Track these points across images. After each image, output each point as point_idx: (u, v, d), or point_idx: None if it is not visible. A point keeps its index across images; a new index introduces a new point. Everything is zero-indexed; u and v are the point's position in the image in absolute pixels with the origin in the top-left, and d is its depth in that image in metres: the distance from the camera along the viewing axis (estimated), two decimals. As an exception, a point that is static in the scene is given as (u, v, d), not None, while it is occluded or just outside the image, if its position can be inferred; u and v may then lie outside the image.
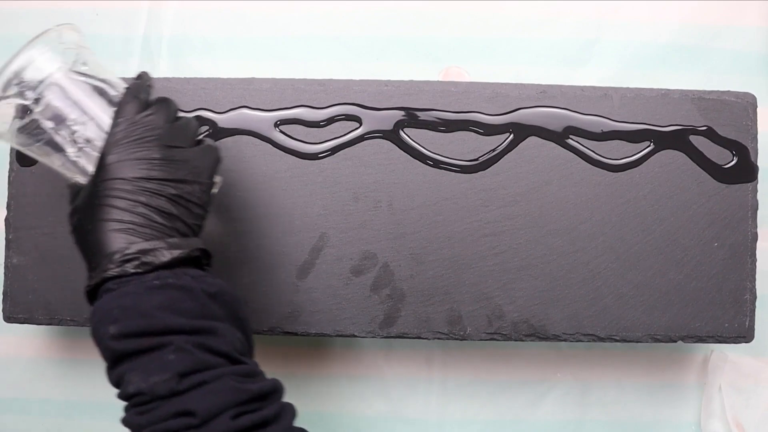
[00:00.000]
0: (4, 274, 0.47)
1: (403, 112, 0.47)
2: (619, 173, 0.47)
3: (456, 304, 0.46)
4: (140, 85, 0.38)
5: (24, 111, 0.36)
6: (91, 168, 0.36)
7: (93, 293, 0.34)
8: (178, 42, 0.55)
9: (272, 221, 0.47)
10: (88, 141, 0.37)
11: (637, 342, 0.46)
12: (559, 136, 0.47)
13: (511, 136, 0.47)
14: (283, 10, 0.55)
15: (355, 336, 0.47)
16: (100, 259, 0.33)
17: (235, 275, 0.47)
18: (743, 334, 0.46)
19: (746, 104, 0.47)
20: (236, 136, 0.47)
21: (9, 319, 0.47)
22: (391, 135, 0.47)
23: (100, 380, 0.53)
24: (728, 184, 0.47)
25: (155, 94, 0.39)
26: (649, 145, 0.47)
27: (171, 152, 0.35)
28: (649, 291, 0.46)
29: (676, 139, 0.47)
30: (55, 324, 0.47)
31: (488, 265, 0.47)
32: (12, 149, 0.47)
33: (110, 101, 0.37)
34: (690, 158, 0.47)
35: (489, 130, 0.47)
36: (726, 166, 0.47)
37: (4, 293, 0.47)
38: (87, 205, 0.35)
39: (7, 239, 0.47)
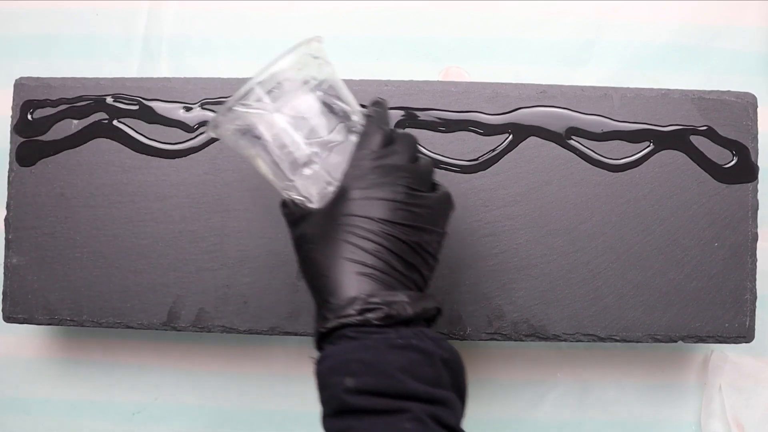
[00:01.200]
0: (4, 274, 0.47)
1: (402, 112, 0.47)
2: (619, 173, 0.47)
3: (456, 304, 0.46)
4: (383, 114, 0.36)
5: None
6: (314, 192, 0.35)
7: (324, 334, 0.32)
8: (178, 42, 0.55)
9: (272, 221, 0.47)
10: (315, 163, 0.34)
11: (637, 342, 0.46)
12: (559, 137, 0.47)
13: (511, 136, 0.47)
14: (283, 10, 0.55)
15: (355, 336, 0.47)
16: (338, 301, 0.32)
17: (235, 275, 0.47)
18: (743, 334, 0.46)
19: (746, 104, 0.47)
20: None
21: (9, 319, 0.47)
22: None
23: (100, 380, 0.53)
24: (728, 184, 0.47)
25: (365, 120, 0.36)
26: (649, 145, 0.47)
27: (415, 196, 0.33)
28: (649, 291, 0.46)
29: (676, 139, 0.47)
30: (55, 324, 0.47)
31: (488, 265, 0.47)
32: (12, 149, 0.47)
33: (348, 127, 0.35)
34: (690, 158, 0.47)
35: (489, 130, 0.47)
36: (726, 166, 0.47)
37: (4, 293, 0.47)
38: (324, 237, 0.33)
39: (7, 239, 0.47)
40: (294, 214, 0.36)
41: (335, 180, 0.34)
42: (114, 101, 0.48)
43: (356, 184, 0.33)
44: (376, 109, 0.36)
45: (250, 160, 0.36)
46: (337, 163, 0.34)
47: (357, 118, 0.36)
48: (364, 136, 0.34)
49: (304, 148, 0.34)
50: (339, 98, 0.36)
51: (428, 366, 0.31)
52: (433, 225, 0.34)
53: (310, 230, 0.34)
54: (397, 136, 0.36)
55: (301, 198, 0.35)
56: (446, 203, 0.36)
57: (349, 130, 0.35)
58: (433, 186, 0.36)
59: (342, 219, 0.33)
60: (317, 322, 0.33)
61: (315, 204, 0.35)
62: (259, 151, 0.35)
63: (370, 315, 0.31)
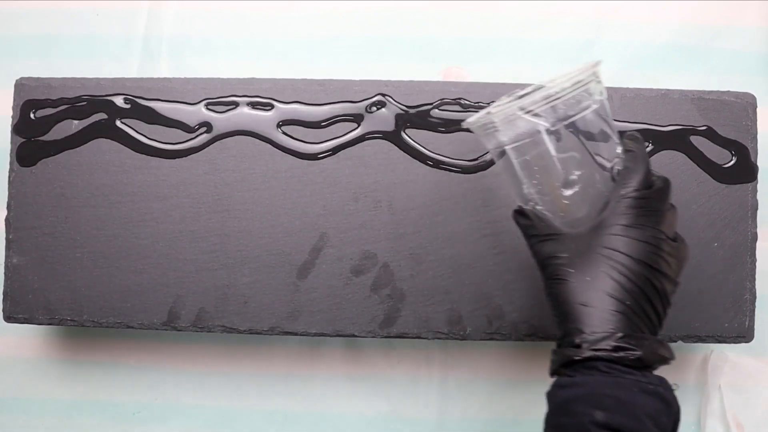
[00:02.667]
0: (4, 274, 0.47)
1: (404, 110, 0.48)
2: (619, 173, 0.47)
3: (456, 304, 0.46)
4: (644, 151, 0.36)
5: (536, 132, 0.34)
6: (571, 214, 0.35)
7: (572, 362, 0.33)
8: (178, 42, 0.55)
9: (272, 221, 0.47)
10: (577, 186, 0.35)
11: (637, 342, 0.46)
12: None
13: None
14: (283, 10, 0.55)
15: (355, 336, 0.47)
16: (594, 332, 0.33)
17: (235, 275, 0.47)
18: (743, 334, 0.46)
19: (746, 104, 0.47)
20: (236, 136, 0.47)
21: (9, 319, 0.47)
22: (392, 135, 0.47)
23: (100, 380, 0.53)
24: (728, 184, 0.47)
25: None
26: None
27: (668, 244, 0.34)
28: (649, 291, 0.46)
29: (676, 140, 0.47)
30: (55, 324, 0.47)
31: (488, 265, 0.47)
32: (12, 149, 0.47)
33: (609, 155, 0.36)
34: (690, 158, 0.47)
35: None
36: (726, 166, 0.47)
37: (4, 293, 0.47)
38: (582, 265, 0.34)
39: (7, 239, 0.47)
40: (538, 229, 0.37)
41: (591, 208, 0.35)
42: (117, 101, 0.48)
43: (618, 220, 0.34)
44: (637, 145, 0.36)
45: (498, 158, 0.36)
46: (594, 191, 0.35)
47: (618, 149, 0.36)
48: (628, 172, 0.35)
49: (566, 169, 0.35)
50: (608, 125, 0.36)
51: (667, 417, 0.33)
52: (675, 274, 0.35)
53: (565, 253, 0.35)
54: (656, 178, 0.36)
55: (548, 215, 0.36)
56: (685, 253, 0.36)
57: (610, 162, 0.35)
58: (675, 233, 0.36)
59: (602, 250, 0.34)
60: (565, 348, 0.34)
61: (564, 226, 0.36)
62: (515, 157, 0.35)
63: (624, 354, 0.32)
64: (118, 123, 0.48)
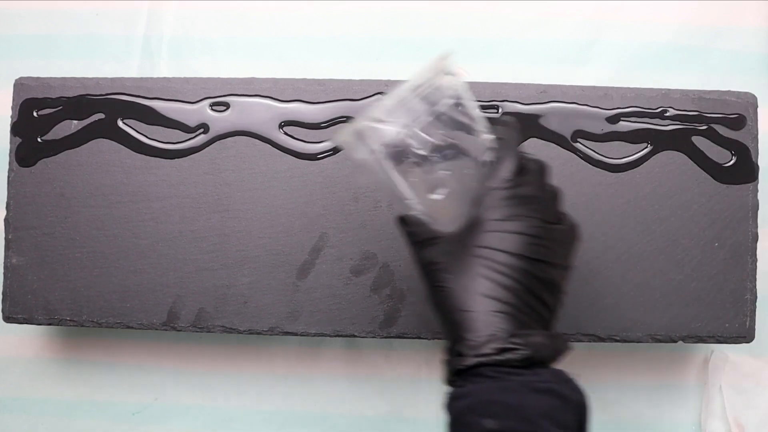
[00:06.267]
0: (4, 274, 0.47)
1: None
2: (620, 173, 0.47)
3: (456, 304, 0.46)
4: (514, 136, 0.35)
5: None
6: (445, 215, 0.34)
7: (460, 371, 0.32)
8: (178, 42, 0.55)
9: (272, 221, 0.47)
10: (447, 186, 0.33)
11: (638, 342, 0.46)
12: (559, 137, 0.47)
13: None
14: (283, 10, 0.55)
15: (355, 336, 0.47)
16: (476, 338, 0.31)
17: (234, 275, 0.47)
18: (744, 334, 0.46)
19: (746, 104, 0.47)
20: (236, 136, 0.47)
21: (9, 319, 0.47)
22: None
23: (100, 380, 0.53)
24: (729, 184, 0.47)
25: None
26: (649, 146, 0.47)
27: (548, 230, 0.33)
28: (649, 291, 0.46)
29: (677, 139, 0.47)
30: (54, 324, 0.47)
31: (488, 265, 0.47)
32: (12, 149, 0.47)
33: (478, 147, 0.34)
34: (690, 158, 0.47)
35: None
36: (726, 166, 0.47)
37: (4, 293, 0.47)
38: (459, 268, 0.33)
39: (6, 239, 0.47)
40: (418, 234, 0.35)
41: (467, 205, 0.33)
42: (117, 101, 0.48)
43: (491, 215, 0.32)
44: (506, 132, 0.35)
45: (369, 169, 0.35)
46: (468, 187, 0.34)
47: (487, 138, 0.35)
48: (497, 162, 0.34)
49: (436, 168, 0.33)
50: (471, 117, 0.34)
51: (565, 411, 0.31)
52: (563, 260, 0.34)
53: (442, 258, 0.33)
54: (528, 162, 0.35)
55: (426, 218, 0.34)
56: (573, 235, 0.35)
57: (480, 153, 0.34)
58: (559, 216, 0.35)
59: (477, 251, 0.32)
60: (452, 358, 0.32)
61: (443, 227, 0.34)
62: (384, 164, 0.34)
63: (510, 355, 0.31)
64: (117, 123, 0.48)
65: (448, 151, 0.33)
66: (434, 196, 0.33)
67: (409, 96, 0.33)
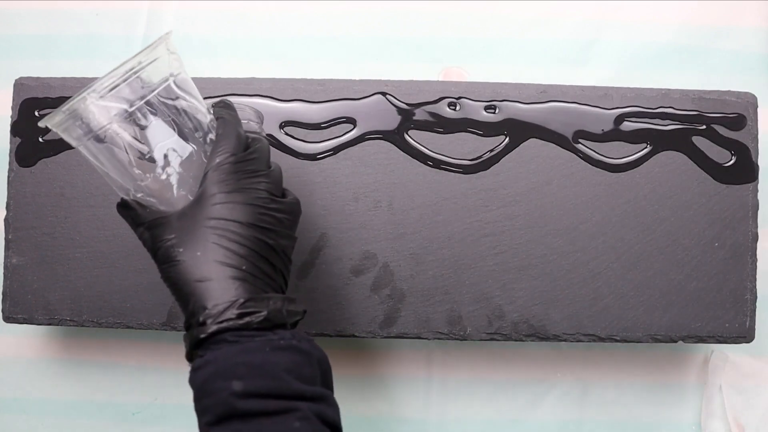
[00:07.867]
0: (4, 274, 0.47)
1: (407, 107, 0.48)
2: (620, 173, 0.47)
3: (456, 304, 0.46)
4: (235, 116, 0.36)
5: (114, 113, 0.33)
6: (169, 195, 0.34)
7: (200, 341, 0.32)
8: (178, 42, 0.54)
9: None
10: (170, 165, 0.34)
11: (638, 342, 0.46)
12: (559, 137, 0.47)
13: (507, 138, 0.47)
14: (283, 10, 0.55)
15: (355, 336, 0.47)
16: (215, 305, 0.32)
17: (235, 275, 0.47)
18: (744, 334, 0.46)
19: (746, 104, 0.47)
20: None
21: (9, 319, 0.47)
22: (392, 135, 0.47)
23: (100, 380, 0.53)
24: (729, 184, 0.47)
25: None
26: (649, 146, 0.47)
27: (275, 201, 0.34)
28: (649, 291, 0.46)
29: (677, 139, 0.47)
30: (54, 324, 0.47)
31: (488, 265, 0.47)
32: (12, 149, 0.47)
33: (200, 127, 0.35)
34: (690, 158, 0.47)
35: (489, 130, 0.47)
36: (726, 166, 0.47)
37: (4, 293, 0.47)
38: (191, 241, 0.33)
39: (6, 239, 0.47)
40: (143, 217, 0.35)
41: (193, 182, 0.34)
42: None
43: (219, 188, 0.33)
44: (228, 111, 0.36)
45: (85, 154, 0.34)
46: (192, 165, 0.34)
47: (210, 118, 0.36)
48: (222, 139, 0.35)
49: (157, 149, 0.34)
50: (192, 96, 0.35)
51: (309, 366, 0.32)
52: (290, 230, 0.36)
53: (173, 234, 0.33)
54: (252, 140, 0.36)
55: (150, 200, 0.35)
56: (298, 208, 0.37)
57: (202, 133, 0.35)
58: (283, 191, 0.37)
59: (209, 222, 0.33)
60: (193, 329, 0.32)
61: (169, 207, 0.34)
62: (101, 148, 0.34)
63: (249, 319, 0.32)
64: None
65: (169, 130, 0.34)
66: (158, 174, 0.34)
67: (127, 76, 0.33)
